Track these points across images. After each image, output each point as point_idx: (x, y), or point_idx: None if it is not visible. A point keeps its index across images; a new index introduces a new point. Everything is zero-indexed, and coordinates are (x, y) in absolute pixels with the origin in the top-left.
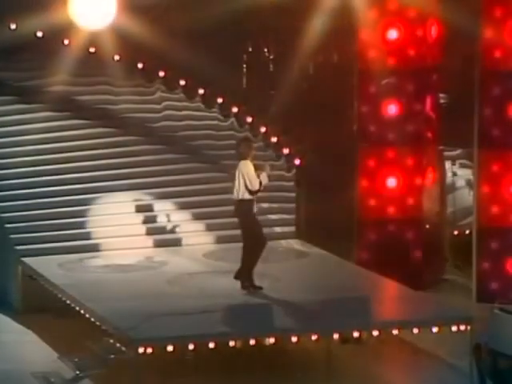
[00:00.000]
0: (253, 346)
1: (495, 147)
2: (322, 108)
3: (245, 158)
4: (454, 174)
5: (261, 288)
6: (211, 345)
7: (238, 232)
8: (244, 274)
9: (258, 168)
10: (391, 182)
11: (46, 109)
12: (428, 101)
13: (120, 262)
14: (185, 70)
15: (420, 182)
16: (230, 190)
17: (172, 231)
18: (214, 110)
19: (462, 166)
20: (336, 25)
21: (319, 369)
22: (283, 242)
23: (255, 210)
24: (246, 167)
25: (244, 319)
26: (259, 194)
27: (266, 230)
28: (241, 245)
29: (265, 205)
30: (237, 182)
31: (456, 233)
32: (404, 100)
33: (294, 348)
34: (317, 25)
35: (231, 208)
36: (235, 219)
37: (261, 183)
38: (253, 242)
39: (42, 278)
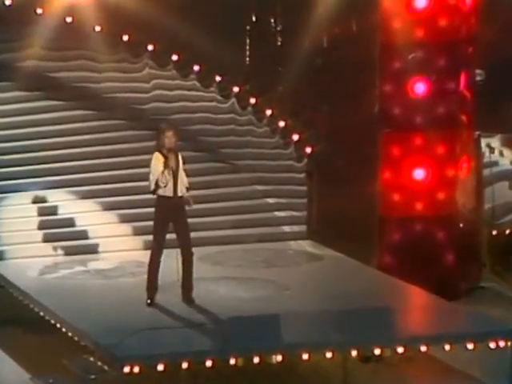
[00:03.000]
0: (257, 364)
1: None
2: (338, 87)
3: (157, 149)
4: (493, 164)
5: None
6: (208, 363)
7: (240, 232)
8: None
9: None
10: (419, 174)
11: (16, 88)
12: (462, 78)
13: (102, 266)
14: (177, 42)
15: (452, 173)
16: (231, 182)
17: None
18: (212, 89)
19: (503, 154)
20: None
21: None
22: (292, 244)
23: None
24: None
25: (246, 333)
26: (265, 187)
27: (272, 229)
28: (244, 247)
29: (271, 200)
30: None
31: (495, 233)
32: (434, 77)
33: (304, 367)
34: None
35: (231, 204)
36: (239, 217)
37: (156, 183)
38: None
39: (10, 286)
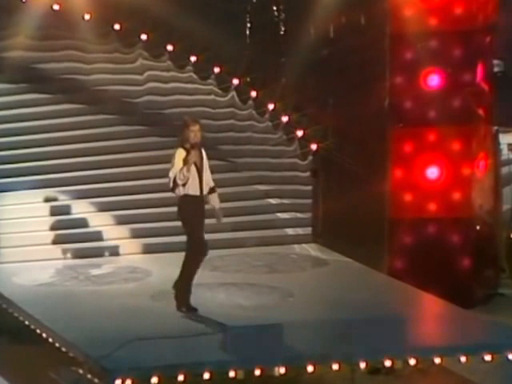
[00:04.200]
0: (258, 377)
1: None
2: (345, 80)
3: (180, 144)
4: None
5: (195, 310)
6: (206, 375)
7: (240, 235)
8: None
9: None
10: (432, 172)
11: (1, 80)
12: (479, 69)
13: (92, 271)
14: (173, 31)
15: (468, 171)
16: (231, 182)
17: (157, 234)
18: (210, 82)
19: None
20: None
21: None
22: (296, 248)
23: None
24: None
25: (247, 344)
26: (266, 187)
27: (275, 232)
28: (244, 251)
29: (273, 201)
30: None
31: None
32: (448, 69)
33: (309, 380)
34: None
35: (230, 205)
36: (239, 219)
37: (174, 180)
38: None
39: None
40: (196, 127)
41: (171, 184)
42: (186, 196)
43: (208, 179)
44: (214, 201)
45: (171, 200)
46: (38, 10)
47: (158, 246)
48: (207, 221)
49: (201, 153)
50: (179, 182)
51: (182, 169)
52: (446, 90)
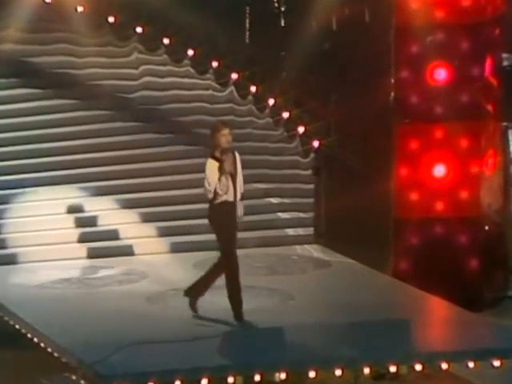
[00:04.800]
0: (258, 382)
1: None
2: (349, 74)
3: (211, 152)
4: None
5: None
6: (204, 381)
7: (239, 236)
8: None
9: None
10: (439, 170)
11: None
12: (487, 63)
13: (85, 274)
14: (169, 24)
15: (477, 169)
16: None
17: (152, 235)
18: (208, 76)
19: None
20: None
21: None
22: (298, 249)
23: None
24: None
25: (247, 348)
26: (267, 186)
27: (275, 232)
28: (243, 252)
29: (274, 200)
30: None
31: None
32: (456, 63)
33: None
34: None
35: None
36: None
37: (215, 191)
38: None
39: None
40: (226, 131)
41: (211, 195)
42: (224, 203)
43: (241, 185)
44: (239, 208)
45: (166, 199)
46: (30, 1)
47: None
48: (202, 221)
49: (234, 157)
50: (220, 192)
51: (220, 178)
52: (453, 84)
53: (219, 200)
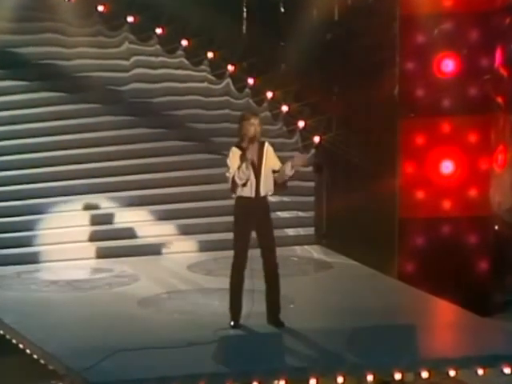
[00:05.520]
0: None
1: None
2: (351, 66)
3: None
4: None
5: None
6: None
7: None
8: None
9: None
10: (446, 167)
11: None
12: (497, 54)
13: (73, 276)
14: (162, 13)
15: (486, 166)
16: (224, 178)
17: (144, 235)
18: (203, 68)
19: None
20: None
21: None
22: (298, 249)
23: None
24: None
25: (244, 355)
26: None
27: (275, 232)
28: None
29: (273, 198)
30: None
31: None
32: (464, 53)
33: None
34: None
35: (225, 203)
36: (231, 220)
37: (233, 180)
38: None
39: None
40: (256, 120)
41: (230, 184)
42: (239, 198)
43: (269, 182)
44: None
45: (157, 197)
46: None
47: (141, 248)
48: (196, 220)
49: (261, 149)
50: (238, 181)
51: (240, 166)
52: (461, 76)
53: (237, 194)
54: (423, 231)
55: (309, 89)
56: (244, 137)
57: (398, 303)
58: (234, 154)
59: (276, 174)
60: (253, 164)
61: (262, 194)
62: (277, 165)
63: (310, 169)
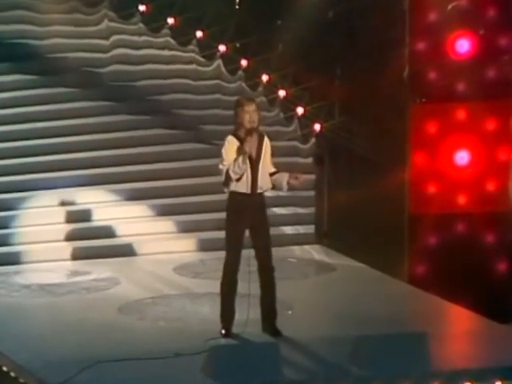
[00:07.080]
0: None
1: None
2: (356, 47)
3: (234, 131)
4: None
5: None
6: None
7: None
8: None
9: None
10: (461, 158)
11: None
12: None
13: (46, 280)
14: None
15: (505, 156)
16: (214, 170)
17: (125, 234)
18: (191, 48)
19: None
20: None
21: None
22: (297, 250)
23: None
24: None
25: (237, 367)
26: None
27: (272, 231)
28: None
29: (269, 193)
30: None
31: None
32: (481, 32)
33: None
34: None
35: (216, 198)
36: (222, 217)
37: (227, 173)
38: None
39: None
40: (251, 107)
41: (223, 178)
42: (233, 193)
43: (266, 179)
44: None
45: (140, 192)
46: None
47: (121, 248)
48: (185, 217)
49: (260, 141)
50: (233, 175)
51: (236, 159)
52: (477, 57)
53: (231, 189)
54: (436, 229)
55: (308, 72)
56: (240, 126)
57: (407, 309)
58: (231, 145)
59: (273, 178)
60: (250, 158)
61: (259, 190)
62: (270, 166)
63: (310, 160)
